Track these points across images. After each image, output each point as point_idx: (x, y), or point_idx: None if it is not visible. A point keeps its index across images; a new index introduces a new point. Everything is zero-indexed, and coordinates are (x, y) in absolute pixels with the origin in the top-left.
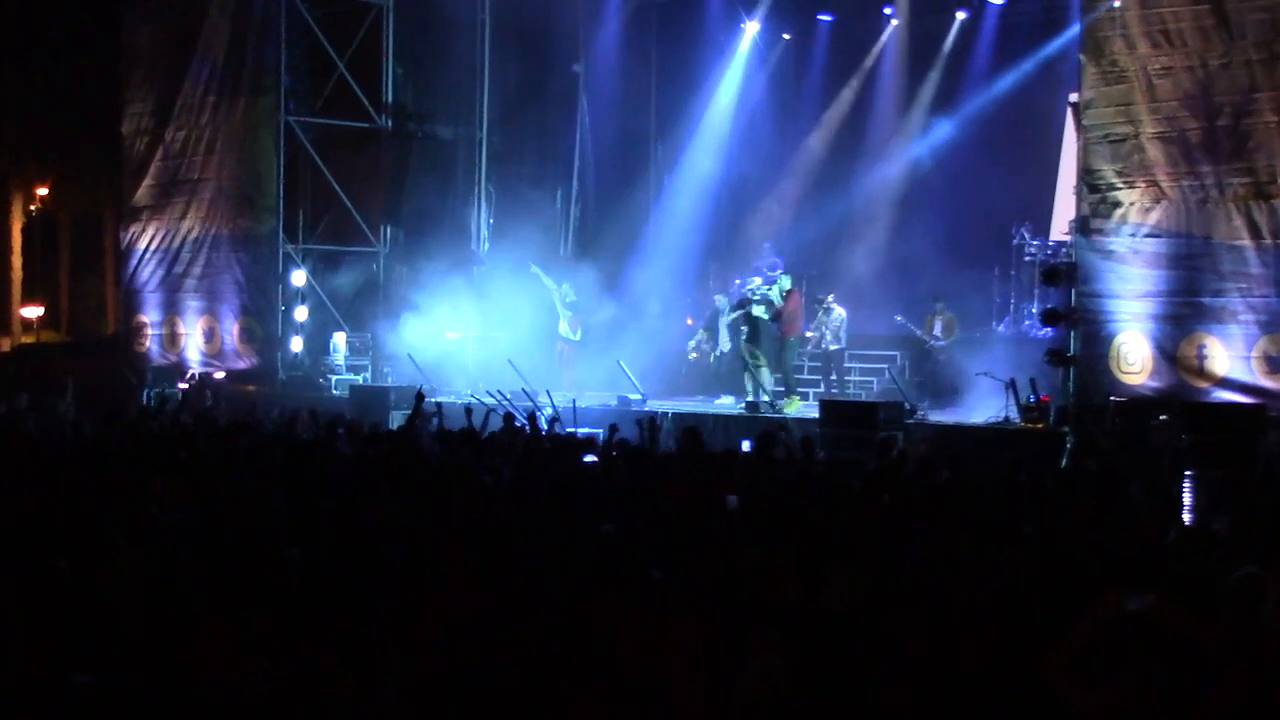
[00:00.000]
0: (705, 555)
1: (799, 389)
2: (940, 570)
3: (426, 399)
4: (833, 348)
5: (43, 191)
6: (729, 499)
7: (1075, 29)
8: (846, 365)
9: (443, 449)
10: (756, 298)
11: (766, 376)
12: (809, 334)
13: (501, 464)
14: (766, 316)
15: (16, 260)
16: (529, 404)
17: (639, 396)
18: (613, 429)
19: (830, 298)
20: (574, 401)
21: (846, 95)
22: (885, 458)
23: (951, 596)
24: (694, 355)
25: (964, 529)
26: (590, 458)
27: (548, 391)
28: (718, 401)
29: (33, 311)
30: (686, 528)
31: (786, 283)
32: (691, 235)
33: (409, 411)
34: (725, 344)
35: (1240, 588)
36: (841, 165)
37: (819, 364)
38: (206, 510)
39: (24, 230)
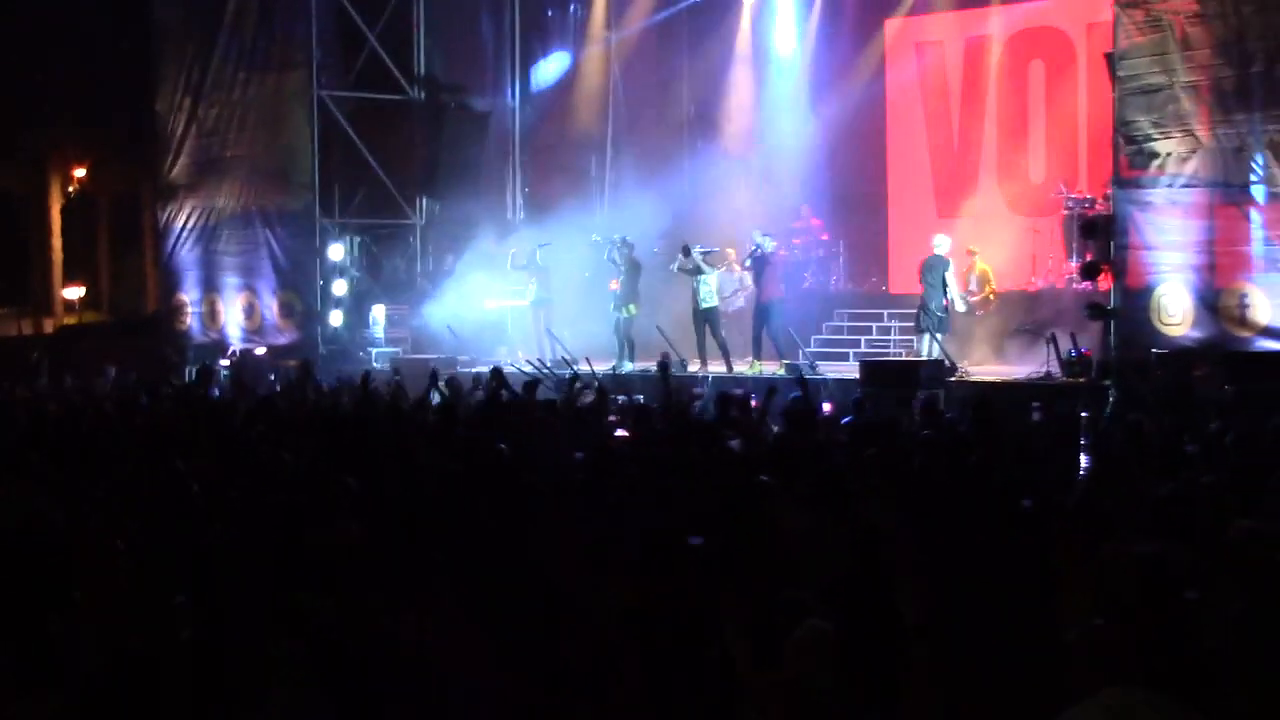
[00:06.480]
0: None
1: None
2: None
3: (464, 371)
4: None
5: (80, 172)
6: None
7: None
8: (886, 324)
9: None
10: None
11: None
12: None
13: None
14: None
15: (57, 242)
16: (569, 371)
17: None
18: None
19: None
20: (614, 369)
21: (874, 55)
22: (932, 416)
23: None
24: None
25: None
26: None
27: (587, 359)
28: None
29: (74, 292)
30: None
31: (769, 244)
32: (727, 198)
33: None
34: None
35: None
36: (869, 127)
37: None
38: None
39: (63, 211)
